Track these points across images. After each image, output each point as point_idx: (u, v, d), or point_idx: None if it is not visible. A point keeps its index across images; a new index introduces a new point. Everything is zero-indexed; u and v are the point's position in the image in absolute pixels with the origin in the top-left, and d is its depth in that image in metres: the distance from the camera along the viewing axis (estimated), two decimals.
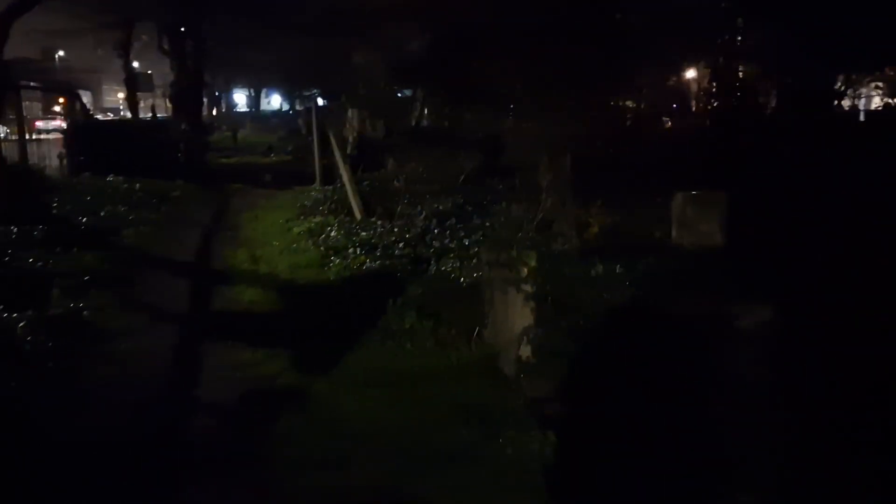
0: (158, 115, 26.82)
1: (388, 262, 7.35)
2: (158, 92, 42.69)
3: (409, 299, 6.10)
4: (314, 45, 20.63)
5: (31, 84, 18.27)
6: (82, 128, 15.49)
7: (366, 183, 12.49)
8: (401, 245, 8.04)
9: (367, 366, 4.81)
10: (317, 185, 14.21)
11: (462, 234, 8.37)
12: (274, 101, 52.79)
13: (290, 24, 21.48)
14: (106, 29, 18.48)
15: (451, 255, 7.59)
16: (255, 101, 48.35)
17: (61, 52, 54.54)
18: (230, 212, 11.65)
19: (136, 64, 30.70)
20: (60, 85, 33.47)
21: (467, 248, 7.82)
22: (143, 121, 21.40)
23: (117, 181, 13.03)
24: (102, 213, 9.84)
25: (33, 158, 14.47)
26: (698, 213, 7.81)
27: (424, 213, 9.24)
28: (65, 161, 14.79)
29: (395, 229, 8.90)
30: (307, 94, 43.22)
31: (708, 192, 7.82)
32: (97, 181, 12.90)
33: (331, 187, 13.21)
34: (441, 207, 10.27)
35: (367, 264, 7.34)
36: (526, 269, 4.94)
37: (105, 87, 68.43)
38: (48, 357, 4.98)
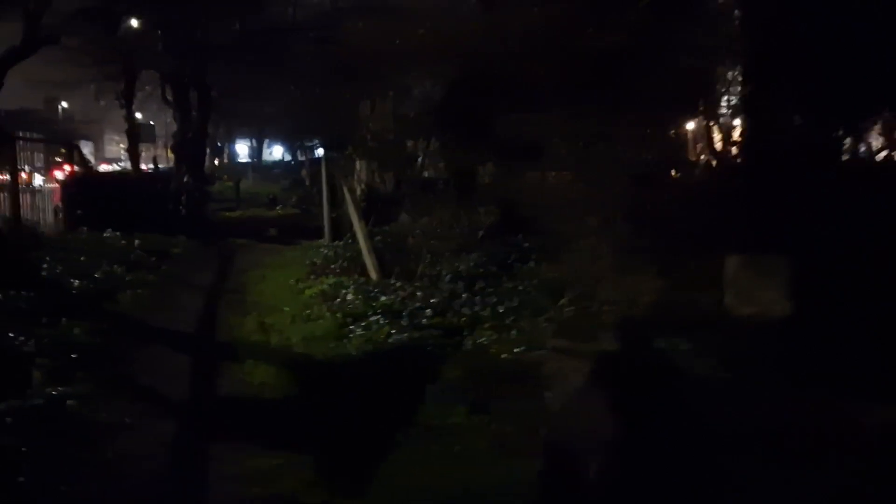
0: (160, 166, 26.21)
1: (416, 334, 6.45)
2: (160, 142, 42.40)
3: (448, 383, 5.20)
4: (320, 95, 20.16)
5: (26, 135, 17.57)
6: (80, 181, 14.71)
7: (378, 238, 11.67)
8: (427, 312, 7.15)
9: (409, 482, 3.85)
10: (325, 239, 13.37)
11: (494, 299, 7.50)
12: (276, 152, 52.44)
13: (296, 73, 21.03)
14: (109, 80, 17.87)
15: (486, 324, 6.72)
16: (256, 152, 47.91)
17: (64, 104, 54.46)
18: (235, 271, 10.79)
19: (138, 115, 30.30)
20: (58, 136, 33.01)
21: (502, 317, 6.95)
22: (144, 173, 20.67)
23: (115, 237, 12.18)
24: (97, 275, 8.94)
25: (31, 212, 13.61)
26: (758, 278, 6.95)
27: (449, 275, 8.37)
28: (60, 215, 13.96)
29: (419, 293, 8.02)
30: (310, 144, 42.92)
31: (767, 254, 6.99)
32: (94, 237, 12.05)
33: (341, 242, 12.38)
34: (463, 267, 9.41)
35: (394, 336, 6.44)
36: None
37: (107, 137, 68.35)
38: (19, 466, 4.04)
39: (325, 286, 8.85)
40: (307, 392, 5.42)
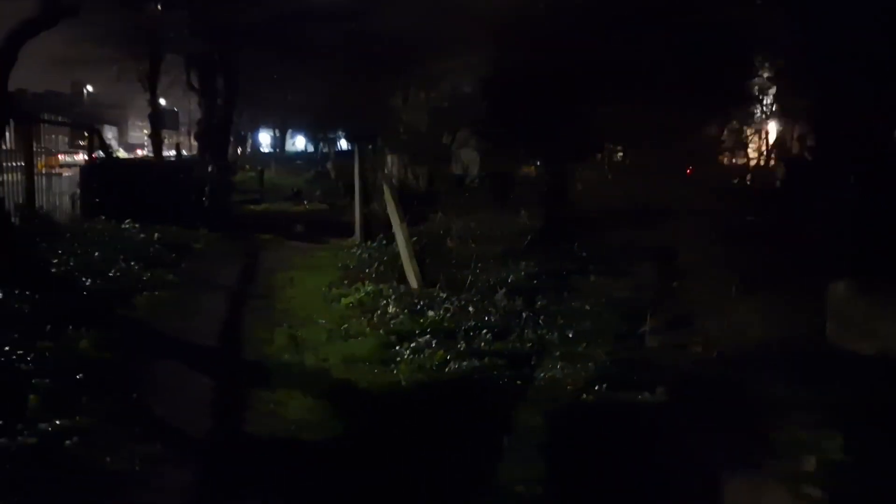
0: (183, 153, 25.37)
1: (476, 363, 5.45)
2: (184, 130, 41.66)
3: (528, 438, 4.20)
4: (351, 84, 19.16)
5: (46, 118, 16.74)
6: (99, 167, 13.83)
7: (413, 239, 10.69)
8: (485, 334, 6.15)
9: None
10: (356, 238, 12.40)
11: (560, 320, 6.50)
12: (298, 142, 51.60)
13: (326, 61, 20.05)
14: (132, 59, 16.96)
15: (556, 352, 5.72)
16: (280, 142, 47.04)
17: (90, 87, 53.98)
18: (261, 271, 9.82)
19: (162, 101, 29.44)
20: (83, 120, 32.29)
21: (573, 343, 5.94)
22: (167, 161, 19.77)
23: (134, 229, 11.29)
24: (112, 273, 8.03)
25: (51, 198, 12.69)
26: (875, 308, 5.90)
27: (504, 289, 7.36)
28: (78, 203, 13.09)
29: (470, 308, 7.02)
30: (333, 136, 41.96)
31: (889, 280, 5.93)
32: (111, 228, 11.15)
33: (374, 244, 11.41)
34: (513, 277, 8.42)
35: (450, 364, 5.45)
36: None
37: (131, 122, 67.85)
38: None
39: (361, 294, 7.87)
40: (352, 435, 4.44)
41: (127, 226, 11.37)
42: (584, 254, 8.92)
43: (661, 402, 4.72)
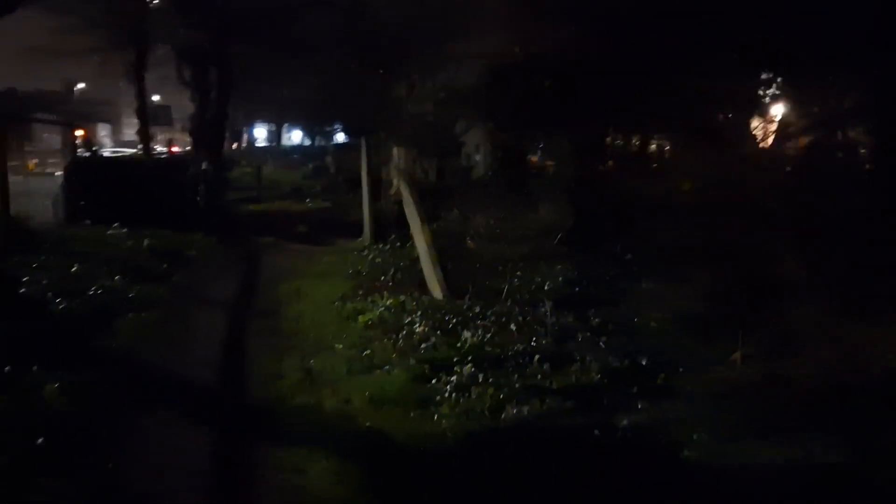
0: (175, 150, 24.15)
1: (538, 405, 4.33)
2: (178, 126, 40.28)
3: None
4: (349, 74, 17.90)
5: (18, 115, 15.53)
6: (83, 166, 12.63)
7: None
8: (538, 361, 5.03)
9: None
10: (365, 239, 11.24)
11: (624, 338, 5.39)
12: (294, 137, 50.21)
13: (323, 50, 18.82)
14: (119, 50, 15.67)
15: (633, 387, 4.60)
16: (276, 136, 45.64)
17: (81, 85, 52.44)
18: (263, 282, 8.65)
19: (156, 98, 28.09)
20: (73, 118, 30.96)
21: (651, 374, 4.83)
22: (158, 158, 18.48)
23: (120, 235, 10.14)
24: (92, 290, 6.88)
25: (33, 201, 11.48)
26: None
27: (550, 302, 6.21)
28: (60, 206, 11.89)
29: (512, 325, 5.90)
30: (330, 129, 40.58)
31: None
32: (96, 234, 10.01)
33: (386, 246, 10.28)
34: (550, 284, 7.32)
35: (507, 410, 4.32)
36: None
37: (126, 119, 66.18)
38: None
39: (381, 309, 6.73)
40: None
41: (113, 231, 10.22)
42: (629, 256, 7.78)
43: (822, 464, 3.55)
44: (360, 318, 6.54)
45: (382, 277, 8.17)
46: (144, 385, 4.99)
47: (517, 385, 4.63)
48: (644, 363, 4.94)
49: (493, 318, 6.18)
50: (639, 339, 5.40)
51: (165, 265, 8.47)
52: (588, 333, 5.59)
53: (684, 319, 5.69)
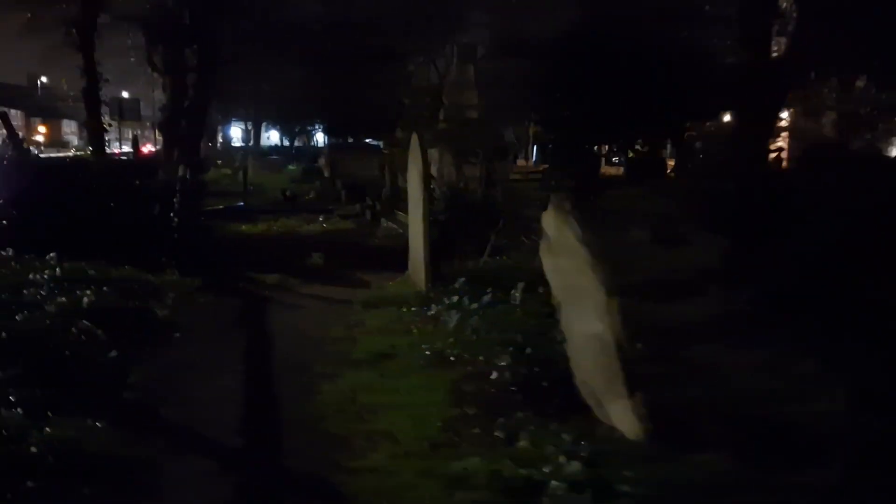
0: (148, 150, 20.00)
1: None
2: (148, 124, 35.72)
3: None
4: (346, 60, 14.22)
5: None
6: (8, 170, 8.66)
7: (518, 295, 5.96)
8: None
9: None
10: (417, 277, 7.42)
11: None
12: (272, 136, 45.97)
13: (314, 33, 15.12)
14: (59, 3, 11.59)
15: None
16: (254, 136, 41.29)
17: (44, 79, 47.52)
18: (285, 383, 4.70)
19: (124, 94, 23.76)
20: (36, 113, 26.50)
21: None
22: (118, 160, 14.36)
23: (52, 276, 6.31)
24: None
25: None
26: None
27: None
28: None
29: None
30: (311, 128, 36.56)
31: None
32: (10, 278, 6.18)
33: (457, 297, 6.50)
34: (784, 389, 3.77)
35: None
36: None
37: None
38: None
39: (559, 489, 3.08)
40: None
41: (39, 272, 6.37)
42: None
43: None
44: None
45: (494, 375, 4.48)
46: None
47: None
48: None
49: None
50: None
51: (115, 348, 4.61)
52: None
53: None
